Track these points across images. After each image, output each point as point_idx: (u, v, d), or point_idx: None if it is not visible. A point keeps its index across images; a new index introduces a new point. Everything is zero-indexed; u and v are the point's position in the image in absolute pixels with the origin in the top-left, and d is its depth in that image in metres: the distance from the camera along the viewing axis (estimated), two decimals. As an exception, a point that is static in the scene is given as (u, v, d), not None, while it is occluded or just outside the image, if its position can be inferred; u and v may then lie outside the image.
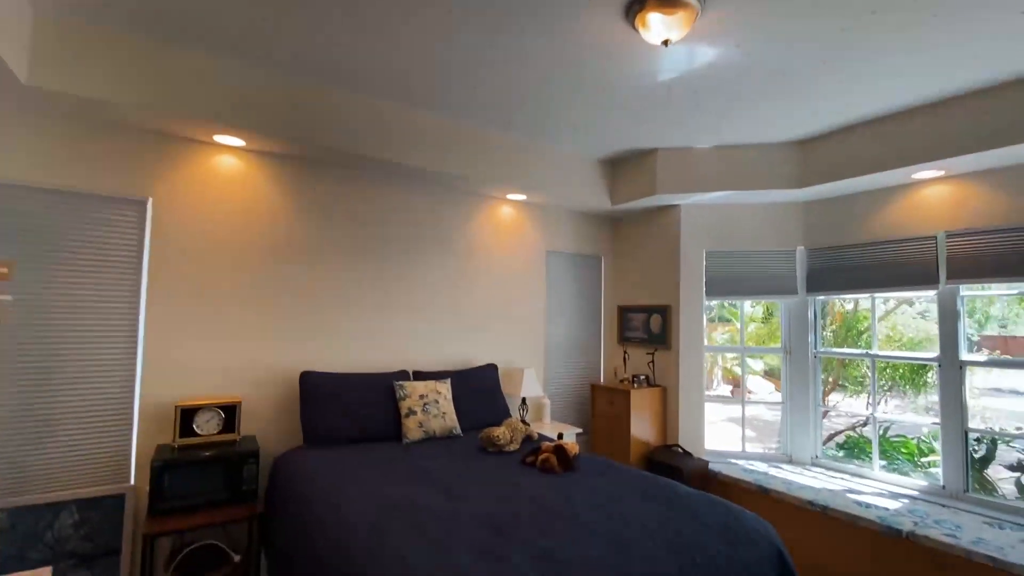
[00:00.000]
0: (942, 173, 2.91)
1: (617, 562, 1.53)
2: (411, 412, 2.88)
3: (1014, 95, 2.46)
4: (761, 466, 3.54)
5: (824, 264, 3.54)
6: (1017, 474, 3.96)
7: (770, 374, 7.58)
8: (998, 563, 2.22)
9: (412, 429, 2.84)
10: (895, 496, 2.98)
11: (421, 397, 2.96)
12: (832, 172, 3.16)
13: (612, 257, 4.47)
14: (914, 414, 4.31)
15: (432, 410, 2.94)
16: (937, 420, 3.05)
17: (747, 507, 3.10)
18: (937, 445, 3.42)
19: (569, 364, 4.22)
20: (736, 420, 4.79)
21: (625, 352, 4.19)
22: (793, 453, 3.66)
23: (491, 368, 3.58)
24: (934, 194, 3.02)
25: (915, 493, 3.03)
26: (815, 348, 3.68)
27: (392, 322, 3.34)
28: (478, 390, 3.35)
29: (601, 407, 3.91)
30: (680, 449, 3.60)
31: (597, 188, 3.90)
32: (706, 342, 3.80)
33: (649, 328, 4.02)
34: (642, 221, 4.19)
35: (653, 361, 3.92)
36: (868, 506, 2.80)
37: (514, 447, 2.81)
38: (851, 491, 3.05)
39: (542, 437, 3.07)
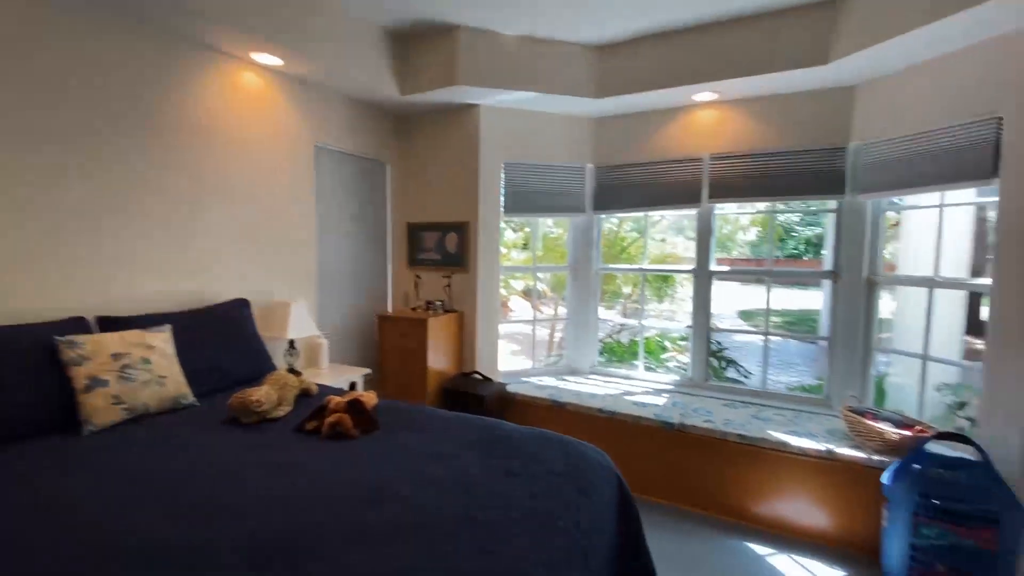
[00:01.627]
0: (716, 97, 3.11)
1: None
2: (96, 382, 1.79)
3: (779, 24, 2.66)
4: (550, 380, 3.60)
5: (609, 182, 3.60)
6: (718, 361, 5.07)
7: (528, 293, 8.19)
8: (745, 439, 2.63)
9: (100, 409, 1.77)
10: (658, 392, 3.38)
11: (115, 357, 1.87)
12: (625, 85, 3.09)
13: (400, 164, 3.75)
14: (656, 320, 5.16)
15: (137, 375, 1.89)
16: (690, 323, 3.51)
17: (546, 423, 3.09)
18: (687, 344, 4.05)
19: (349, 293, 3.48)
20: (506, 338, 4.85)
21: (417, 276, 3.66)
22: (575, 365, 3.84)
23: (240, 305, 2.60)
24: (706, 117, 3.25)
25: (671, 386, 3.50)
26: (596, 264, 3.83)
27: (67, 242, 2.03)
28: (221, 337, 2.37)
29: (392, 340, 3.35)
30: (479, 375, 3.38)
31: (383, 70, 3.06)
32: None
33: (444, 248, 3.55)
34: (436, 122, 3.55)
35: (450, 285, 3.50)
36: (644, 405, 3.07)
37: (284, 411, 2.05)
38: (627, 393, 3.33)
39: (324, 390, 2.36)
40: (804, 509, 2.51)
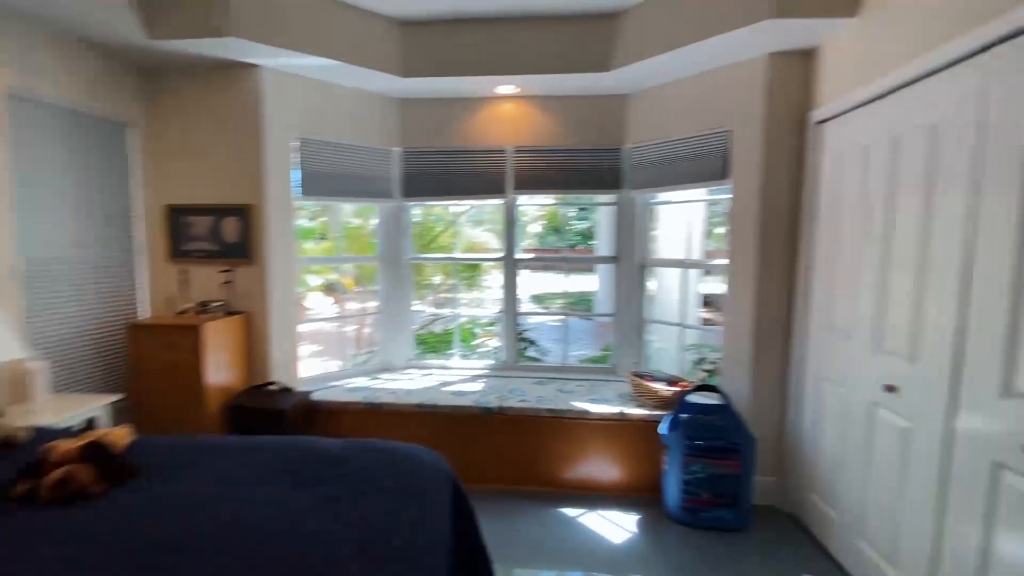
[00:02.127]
0: (518, 91, 3.23)
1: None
2: None
3: (580, 28, 2.88)
4: (362, 381, 3.33)
5: (418, 168, 3.46)
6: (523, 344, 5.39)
7: (331, 288, 7.54)
8: (555, 412, 2.84)
9: None
10: (474, 378, 3.42)
11: None
12: (431, 67, 2.98)
13: (153, 130, 2.93)
14: (468, 308, 5.25)
15: None
16: (500, 309, 3.63)
17: (363, 429, 2.83)
18: (496, 329, 4.18)
19: (80, 297, 2.60)
20: (306, 340, 4.39)
21: (184, 272, 2.94)
22: (390, 361, 3.63)
23: None
24: (510, 110, 3.35)
25: (486, 371, 3.57)
26: (408, 254, 3.66)
27: None
28: None
29: (152, 355, 2.62)
30: (276, 386, 2.90)
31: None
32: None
33: (220, 236, 2.92)
34: (202, 80, 2.87)
35: (231, 281, 2.91)
36: (463, 393, 3.07)
37: (-33, 475, 1.39)
38: (445, 384, 3.28)
39: (43, 434, 1.69)
40: (605, 468, 2.84)
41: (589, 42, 2.87)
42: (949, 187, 1.65)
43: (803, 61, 2.53)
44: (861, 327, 2.10)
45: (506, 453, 2.88)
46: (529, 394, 3.06)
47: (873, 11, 2.06)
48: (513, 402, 2.91)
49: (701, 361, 4.43)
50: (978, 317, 1.52)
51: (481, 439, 2.89)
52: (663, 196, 3.38)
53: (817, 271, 2.46)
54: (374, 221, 3.77)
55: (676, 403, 2.72)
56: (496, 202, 3.56)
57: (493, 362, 3.71)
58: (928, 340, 1.73)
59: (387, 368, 3.60)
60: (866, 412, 2.05)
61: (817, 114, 2.44)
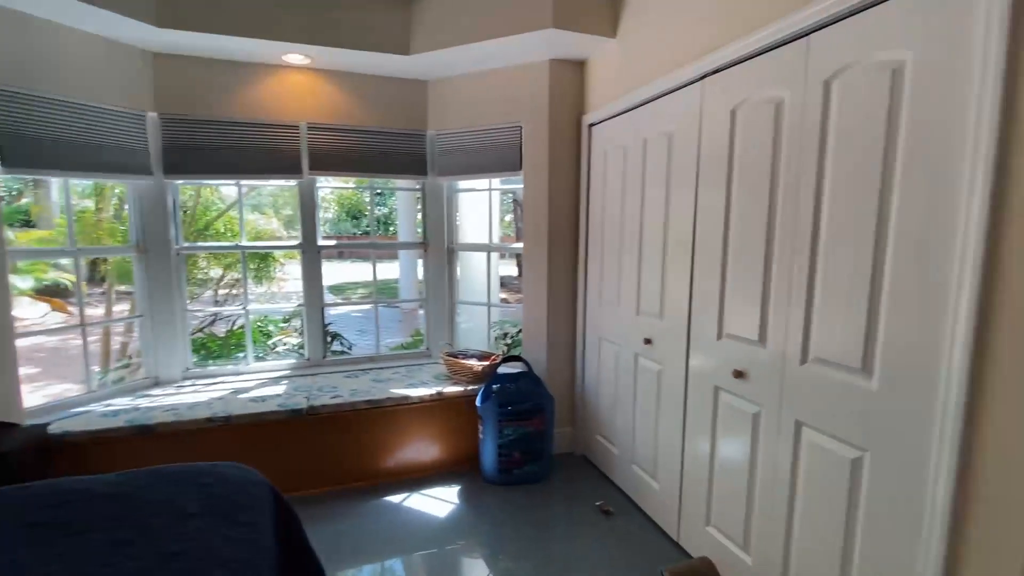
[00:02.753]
0: (309, 62, 2.96)
1: None
2: None
3: (377, 6, 2.77)
4: (124, 402, 2.70)
5: (185, 141, 2.90)
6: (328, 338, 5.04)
7: (53, 292, 5.85)
8: (373, 403, 2.77)
9: None
10: (276, 381, 3.09)
11: None
12: (195, 19, 2.52)
13: None
14: (257, 303, 4.60)
15: None
16: (300, 302, 3.34)
17: (136, 460, 2.30)
18: (296, 324, 3.80)
19: None
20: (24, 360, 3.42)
21: None
22: (160, 374, 3.01)
23: None
24: (302, 82, 3.05)
25: (288, 372, 3.26)
26: (177, 243, 3.06)
27: None
28: None
29: None
30: (-19, 425, 2.14)
31: None
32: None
33: None
34: None
35: None
36: (264, 399, 2.75)
37: None
38: (240, 391, 2.89)
39: None
40: (428, 448, 2.91)
41: (389, 23, 2.80)
42: (681, 183, 2.15)
43: (577, 70, 2.94)
44: (626, 295, 2.59)
45: (325, 453, 2.71)
46: (342, 388, 2.91)
47: (627, 35, 2.52)
48: (325, 399, 2.74)
49: (504, 336, 4.84)
50: (701, 283, 2.05)
51: (294, 444, 2.65)
52: (466, 184, 3.55)
53: (593, 251, 2.92)
54: (118, 203, 3.03)
55: (488, 376, 2.94)
56: (289, 183, 3.24)
57: (295, 361, 3.40)
58: (670, 302, 2.24)
59: (158, 383, 2.98)
60: (632, 361, 2.56)
61: (588, 117, 2.88)
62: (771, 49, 1.68)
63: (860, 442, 1.43)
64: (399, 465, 2.86)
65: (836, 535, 1.50)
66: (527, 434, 2.79)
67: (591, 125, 2.88)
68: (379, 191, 8.64)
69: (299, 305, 3.37)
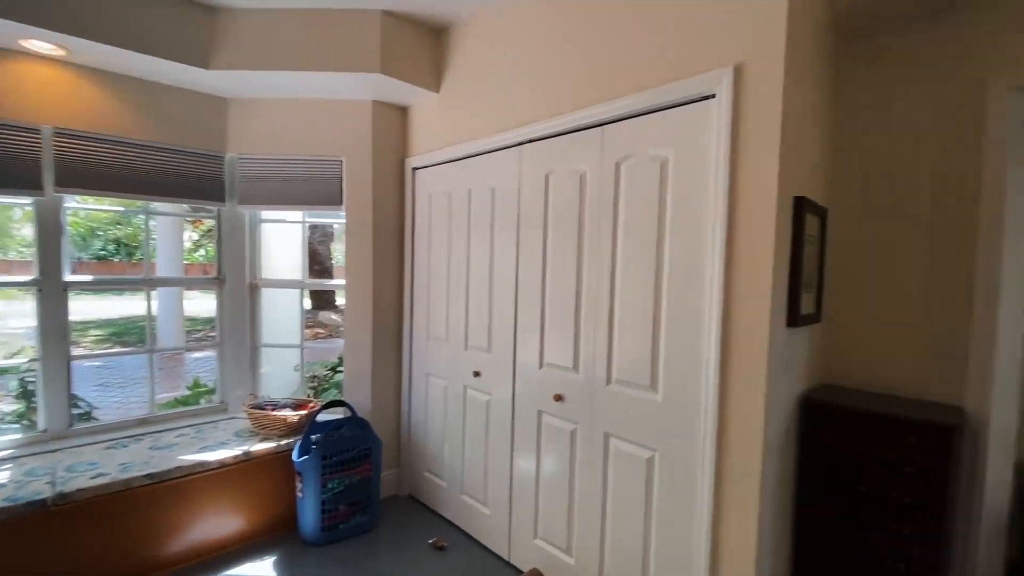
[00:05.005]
0: (63, 54, 2.37)
1: None
2: None
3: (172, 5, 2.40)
4: None
5: None
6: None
7: None
8: (156, 476, 2.26)
9: None
10: (-12, 466, 2.27)
11: None
12: None
13: None
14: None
15: None
16: (34, 356, 2.54)
17: None
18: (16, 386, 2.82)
19: None
20: None
21: None
22: None
23: None
24: (50, 77, 2.40)
25: (14, 452, 2.42)
26: None
27: None
28: None
29: None
30: None
31: None
32: None
33: None
34: None
35: None
36: (-27, 495, 2.00)
37: None
38: (-79, 489, 2.03)
39: None
40: (233, 519, 2.49)
41: (182, 27, 2.46)
42: (504, 230, 2.42)
43: (401, 115, 3.04)
44: (454, 331, 2.73)
45: (88, 552, 2.08)
46: (106, 464, 2.31)
47: (451, 94, 2.74)
48: (82, 481, 2.13)
49: (312, 379, 4.46)
50: (524, 318, 2.32)
51: (36, 548, 1.97)
52: (273, 214, 3.25)
53: (419, 290, 3.00)
54: None
55: (305, 426, 2.70)
56: (22, 200, 2.49)
57: (21, 436, 2.55)
58: (497, 336, 2.47)
59: None
60: (461, 394, 2.70)
61: (412, 161, 3.00)
62: (576, 131, 2.07)
63: (651, 444, 1.82)
64: (198, 545, 2.37)
65: (638, 523, 1.86)
66: (354, 484, 2.64)
67: (415, 169, 3.00)
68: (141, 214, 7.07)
69: (31, 360, 2.56)
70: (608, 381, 1.97)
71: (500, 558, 2.46)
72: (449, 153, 2.71)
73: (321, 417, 2.76)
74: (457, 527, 2.74)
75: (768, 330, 1.52)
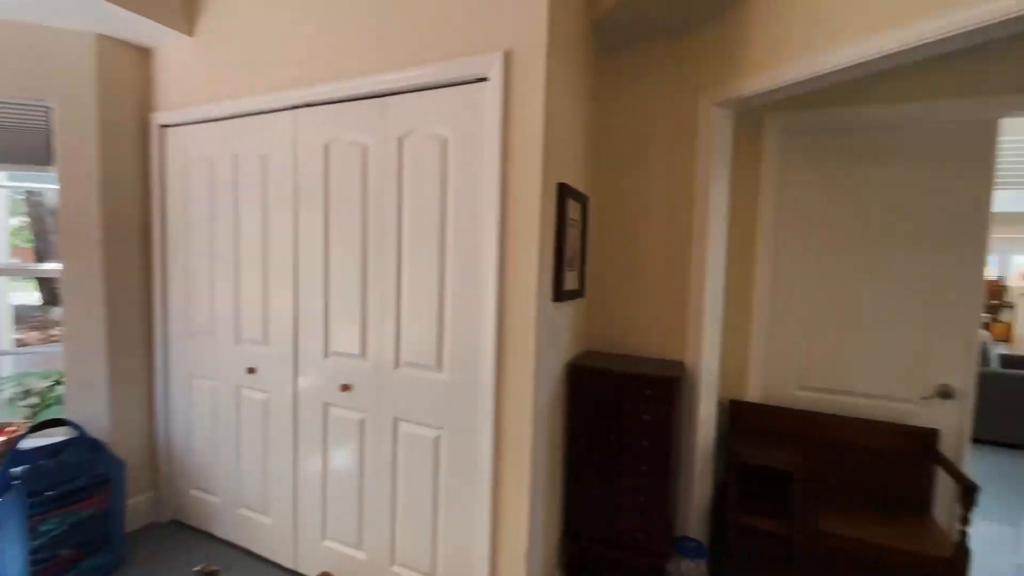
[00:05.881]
0: None
1: None
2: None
3: None
4: None
5: None
6: None
7: None
8: None
9: None
10: None
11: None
12: None
13: None
14: None
15: None
16: None
17: None
18: None
19: None
20: None
21: None
22: None
23: None
24: None
25: None
26: None
27: None
28: None
29: None
30: None
31: None
32: None
33: None
34: None
35: None
36: None
37: None
38: None
39: None
40: None
41: None
42: (281, 205, 2.14)
43: (142, 58, 2.44)
44: (223, 323, 2.35)
45: None
46: None
47: (210, 40, 2.29)
48: None
49: (26, 395, 3.41)
50: (306, 304, 2.10)
51: None
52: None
53: (174, 275, 2.50)
54: None
55: (4, 457, 2.04)
56: None
57: None
58: (275, 326, 2.19)
59: None
60: (234, 395, 2.34)
61: (160, 117, 2.45)
62: (359, 99, 1.92)
63: (438, 423, 1.83)
64: None
65: (426, 504, 1.86)
66: (83, 520, 2.09)
67: (164, 126, 2.46)
68: None
69: None
70: (397, 365, 1.91)
71: (285, 568, 2.23)
72: (209, 111, 2.29)
73: (29, 443, 2.11)
74: (234, 545, 2.40)
75: (535, 305, 1.63)
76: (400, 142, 1.85)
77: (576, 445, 2.03)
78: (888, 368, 2.15)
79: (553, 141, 1.67)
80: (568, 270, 1.88)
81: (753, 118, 2.27)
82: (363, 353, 1.98)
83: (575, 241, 1.98)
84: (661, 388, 1.87)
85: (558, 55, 1.67)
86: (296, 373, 2.15)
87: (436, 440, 1.84)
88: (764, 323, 2.31)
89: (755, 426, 2.26)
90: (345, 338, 2.01)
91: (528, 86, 1.60)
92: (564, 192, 1.77)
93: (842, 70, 1.53)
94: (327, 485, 2.10)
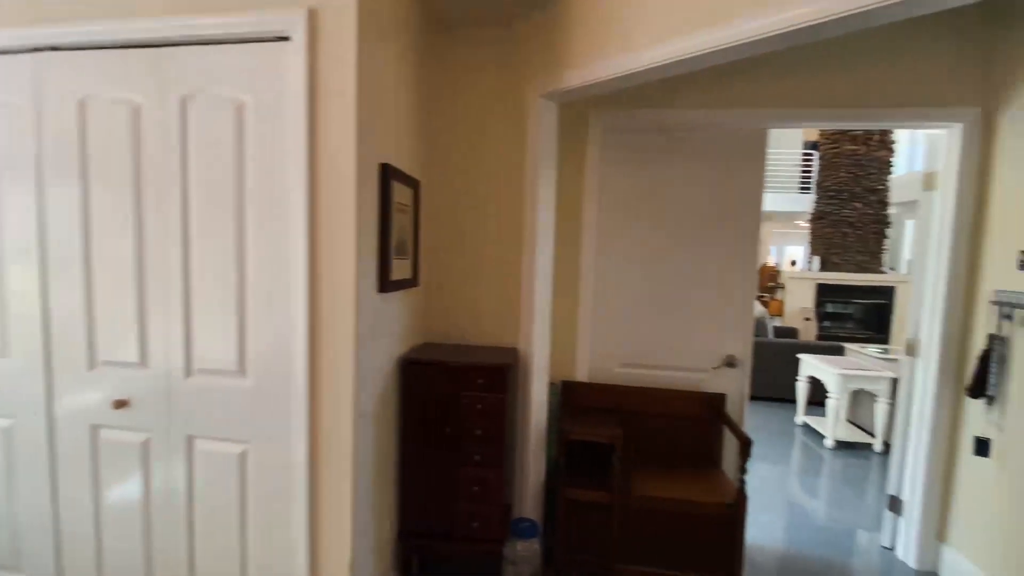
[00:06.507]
0: None
1: None
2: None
3: None
4: None
5: None
6: None
7: None
8: None
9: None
10: None
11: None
12: None
13: None
14: None
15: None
16: None
17: None
18: None
19: None
20: None
21: None
22: None
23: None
24: None
25: None
26: None
27: None
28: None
29: None
30: None
31: None
32: None
33: None
34: None
35: None
36: None
37: None
38: None
39: None
40: None
41: None
42: (16, 177, 1.65)
43: None
44: (-67, 330, 1.76)
45: None
46: None
47: None
48: None
49: None
50: (61, 302, 1.66)
51: None
52: None
53: None
54: None
55: None
56: None
57: None
58: (16, 333, 1.70)
59: None
60: (-44, 426, 1.77)
61: None
62: (126, 47, 1.55)
63: (243, 436, 1.59)
64: None
65: (233, 527, 1.62)
66: None
67: None
68: None
69: None
70: (188, 373, 1.61)
71: (43, 637, 1.77)
72: None
73: None
74: (-37, 620, 1.84)
75: (354, 296, 1.49)
76: (184, 103, 1.53)
77: (410, 441, 1.94)
78: (688, 343, 2.45)
79: (370, 116, 1.53)
80: (398, 258, 1.77)
81: (580, 113, 2.38)
82: (144, 361, 1.63)
83: (406, 227, 1.86)
84: (493, 376, 1.87)
85: (373, 23, 1.52)
86: (50, 390, 1.69)
87: (242, 456, 1.59)
88: (589, 307, 2.46)
89: (584, 404, 2.41)
90: (118, 343, 1.64)
91: (338, 52, 1.43)
92: (388, 173, 1.64)
93: (648, 70, 1.65)
94: (101, 523, 1.71)
